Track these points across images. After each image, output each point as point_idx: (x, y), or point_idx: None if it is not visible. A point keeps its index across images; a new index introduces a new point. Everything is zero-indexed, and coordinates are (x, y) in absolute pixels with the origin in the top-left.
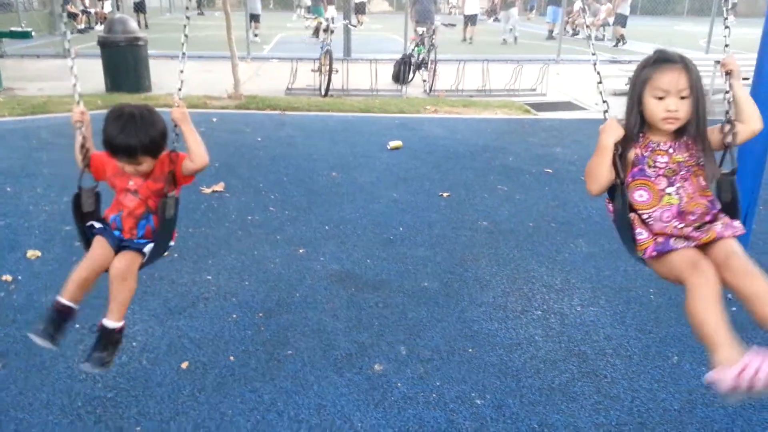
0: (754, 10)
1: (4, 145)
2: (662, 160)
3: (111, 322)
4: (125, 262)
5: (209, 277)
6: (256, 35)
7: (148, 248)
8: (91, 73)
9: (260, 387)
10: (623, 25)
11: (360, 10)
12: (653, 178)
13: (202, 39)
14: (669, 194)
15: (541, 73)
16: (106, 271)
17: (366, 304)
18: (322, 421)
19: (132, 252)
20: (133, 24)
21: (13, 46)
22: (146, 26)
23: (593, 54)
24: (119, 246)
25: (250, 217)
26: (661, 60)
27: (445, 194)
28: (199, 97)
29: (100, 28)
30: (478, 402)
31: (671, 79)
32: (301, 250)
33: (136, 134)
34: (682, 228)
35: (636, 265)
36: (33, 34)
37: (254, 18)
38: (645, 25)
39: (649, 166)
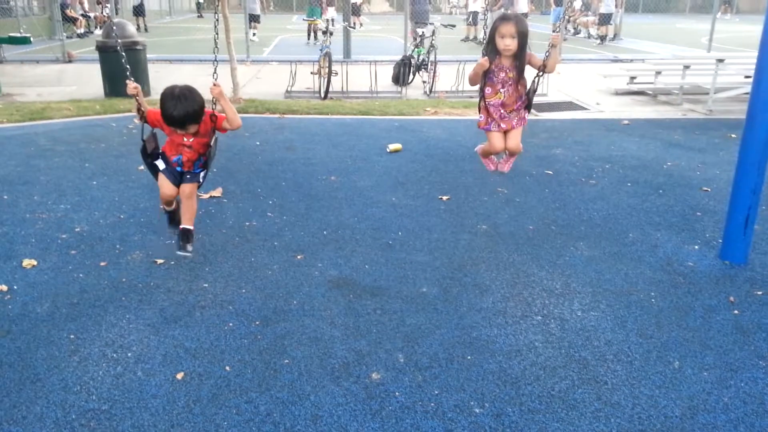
0: (757, 6)
1: (2, 152)
2: (501, 74)
3: (187, 226)
4: (190, 188)
5: (206, 285)
6: (254, 34)
7: (202, 176)
8: (90, 78)
9: (256, 398)
10: (608, 23)
11: (355, 11)
12: (495, 82)
13: (201, 42)
14: (499, 92)
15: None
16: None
17: (364, 310)
18: None
19: (192, 182)
20: (131, 28)
21: (12, 51)
22: (146, 30)
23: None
24: (180, 176)
25: (247, 223)
26: (503, 18)
27: (444, 198)
28: None
29: (99, 32)
30: (477, 411)
31: (508, 29)
32: (299, 256)
33: (183, 109)
34: (502, 112)
35: (637, 268)
36: (32, 39)
37: (253, 19)
38: (647, 23)
39: (495, 76)
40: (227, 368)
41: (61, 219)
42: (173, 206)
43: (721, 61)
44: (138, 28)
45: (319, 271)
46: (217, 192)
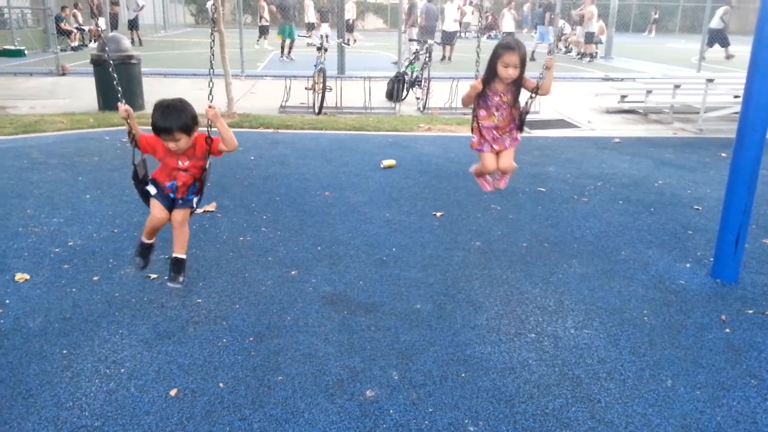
0: (744, 27)
1: None
2: (495, 98)
3: (179, 255)
4: (183, 215)
5: (199, 300)
6: (258, 41)
7: (195, 201)
8: (84, 91)
9: (249, 415)
10: (591, 42)
11: (349, 28)
12: (490, 106)
13: (196, 56)
14: (494, 116)
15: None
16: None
17: (358, 327)
18: None
19: (185, 208)
20: (126, 42)
21: (6, 63)
22: (140, 43)
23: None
24: (172, 202)
25: (241, 238)
26: (508, 46)
27: (438, 214)
28: None
29: (93, 45)
30: (471, 429)
31: (512, 59)
32: (292, 272)
33: (171, 118)
34: (495, 134)
35: (630, 286)
36: (26, 52)
37: (262, 30)
38: (636, 43)
39: (489, 100)
40: (221, 385)
41: (54, 233)
42: (153, 239)
43: (711, 80)
44: (132, 42)
45: (313, 287)
46: (211, 207)
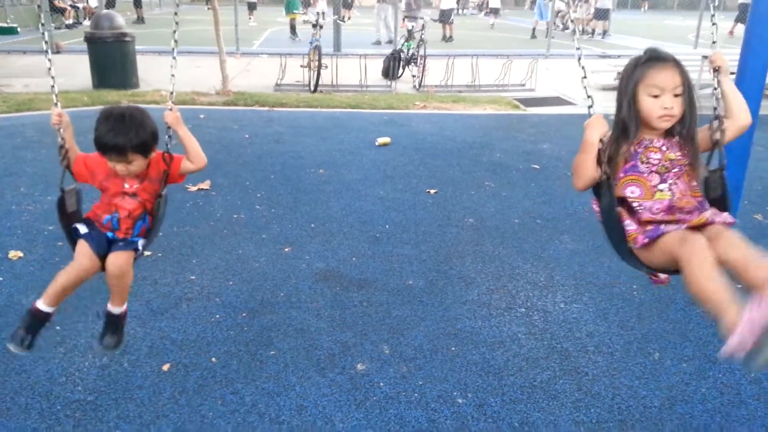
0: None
1: None
2: (655, 156)
3: (116, 309)
4: (122, 261)
5: (193, 277)
6: (250, 18)
7: (141, 244)
8: (78, 69)
9: (242, 388)
10: (605, 18)
11: (347, 4)
12: (646, 174)
13: (192, 33)
14: (661, 191)
15: (530, 68)
16: (101, 270)
17: (350, 303)
18: (303, 422)
19: (126, 251)
20: (120, 19)
21: None
22: (143, 21)
23: (577, 48)
24: (108, 245)
25: (235, 216)
26: (654, 58)
27: (432, 191)
28: (187, 93)
29: (88, 23)
30: (460, 401)
31: (666, 77)
32: (286, 249)
33: (126, 133)
34: (676, 217)
35: (620, 261)
36: (19, 29)
37: (251, 6)
38: (634, 20)
39: (642, 162)
40: (213, 359)
41: (47, 211)
42: (55, 307)
43: (706, 57)
44: (139, 19)
45: (307, 264)
46: (206, 184)
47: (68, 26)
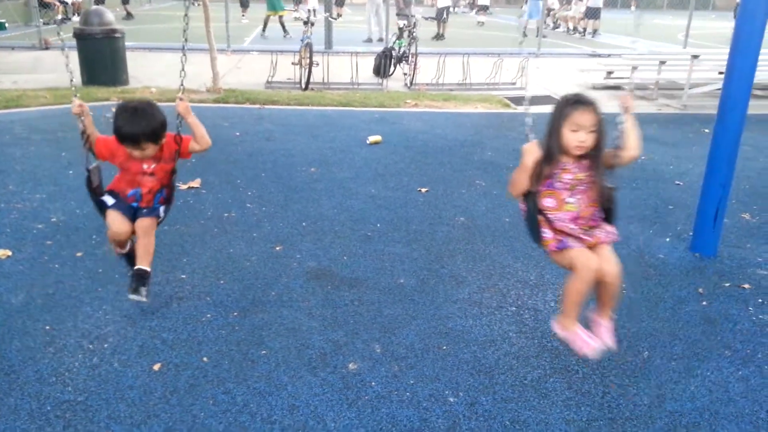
0: (732, 3)
1: None
2: (567, 177)
3: (143, 267)
4: (148, 225)
5: (183, 276)
6: (243, 15)
7: (162, 210)
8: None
9: (233, 388)
10: (596, 17)
11: (339, 1)
12: (559, 190)
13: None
14: (569, 203)
15: (521, 67)
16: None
17: (342, 301)
18: (295, 422)
19: (150, 217)
20: (109, 15)
21: None
22: (131, 17)
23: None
24: (133, 212)
25: (226, 214)
26: (578, 102)
27: (423, 190)
28: (177, 90)
29: (77, 19)
30: (452, 400)
31: (585, 118)
32: (277, 248)
33: (138, 125)
34: (575, 229)
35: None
36: (7, 25)
37: (243, 3)
38: (624, 19)
39: (558, 181)
40: (204, 359)
41: (36, 209)
42: (127, 248)
43: (696, 57)
44: (127, 15)
45: (298, 263)
46: (196, 183)
47: (57, 22)
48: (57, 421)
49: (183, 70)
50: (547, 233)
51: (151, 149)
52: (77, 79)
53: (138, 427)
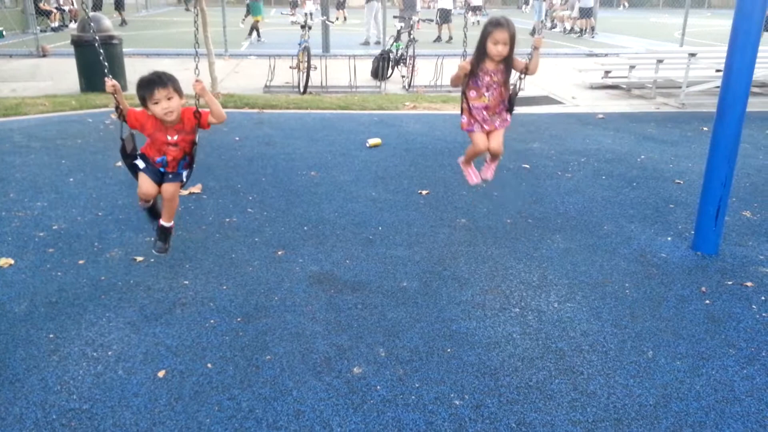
0: (728, 2)
1: None
2: (486, 78)
3: (166, 223)
4: (173, 188)
5: (186, 282)
6: (243, 20)
7: (185, 175)
8: (65, 73)
9: (238, 394)
10: (588, 17)
11: (339, 4)
12: (480, 86)
13: (180, 35)
14: (484, 96)
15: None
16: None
17: (345, 305)
18: (301, 428)
19: (175, 182)
20: (107, 22)
21: None
22: (125, 23)
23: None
24: (162, 176)
25: (227, 219)
26: (498, 24)
27: (423, 192)
28: None
29: (74, 26)
30: (457, 402)
31: (502, 35)
32: (279, 252)
33: (165, 77)
34: (485, 115)
35: (612, 260)
36: (4, 33)
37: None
38: (620, 17)
39: (480, 80)
40: (209, 365)
41: (38, 217)
42: (151, 203)
43: (693, 55)
44: (123, 22)
45: (300, 267)
46: (197, 188)
47: (54, 29)
48: (62, 429)
49: (196, 54)
50: (464, 118)
51: (176, 101)
52: (76, 86)
53: None
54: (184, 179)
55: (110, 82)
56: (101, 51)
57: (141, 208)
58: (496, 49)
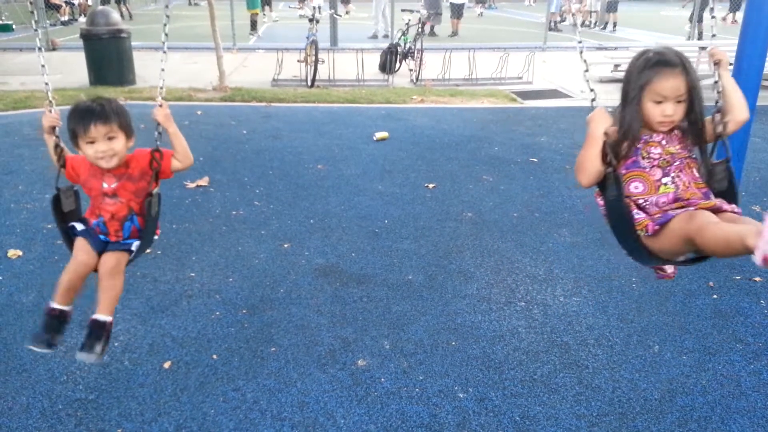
0: None
1: None
2: (656, 151)
3: (102, 317)
4: (113, 262)
5: (192, 274)
6: (264, 15)
7: (135, 246)
8: (74, 66)
9: (243, 385)
10: (613, 11)
11: None
12: (648, 169)
13: (188, 29)
14: (665, 184)
15: (528, 61)
16: (94, 271)
17: (350, 298)
18: (305, 419)
19: (119, 252)
20: (116, 16)
21: None
22: (130, 17)
23: (579, 42)
24: (104, 247)
25: (234, 212)
26: (661, 63)
27: (430, 185)
28: (183, 89)
29: (83, 19)
30: (461, 395)
31: (671, 86)
32: (285, 245)
33: (108, 103)
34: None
35: (625, 256)
36: (14, 27)
37: (266, 1)
38: (632, 11)
39: (643, 158)
40: (214, 356)
41: (46, 209)
42: (71, 303)
43: (703, 48)
44: (122, 16)
45: (306, 260)
46: (204, 181)
47: (63, 23)
48: (68, 419)
49: (163, 70)
50: (641, 214)
51: (119, 143)
52: (85, 79)
53: (149, 425)
54: (133, 250)
55: (50, 117)
56: (45, 71)
57: (46, 311)
58: (661, 111)
